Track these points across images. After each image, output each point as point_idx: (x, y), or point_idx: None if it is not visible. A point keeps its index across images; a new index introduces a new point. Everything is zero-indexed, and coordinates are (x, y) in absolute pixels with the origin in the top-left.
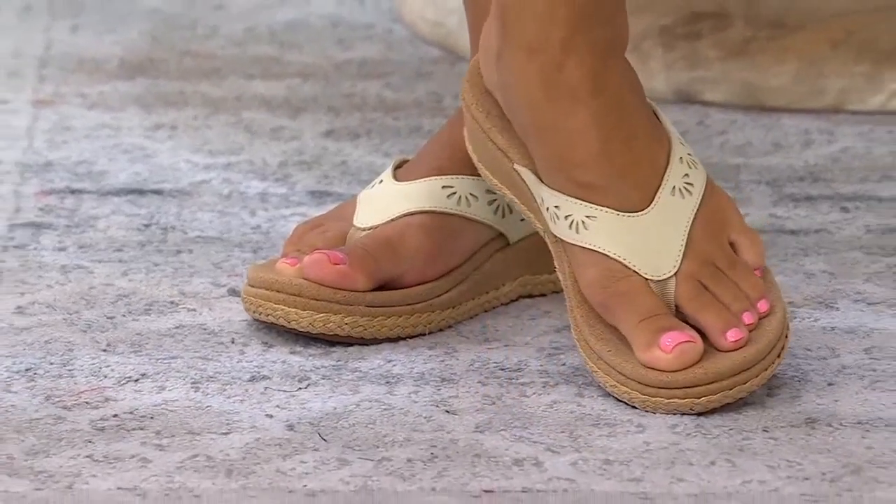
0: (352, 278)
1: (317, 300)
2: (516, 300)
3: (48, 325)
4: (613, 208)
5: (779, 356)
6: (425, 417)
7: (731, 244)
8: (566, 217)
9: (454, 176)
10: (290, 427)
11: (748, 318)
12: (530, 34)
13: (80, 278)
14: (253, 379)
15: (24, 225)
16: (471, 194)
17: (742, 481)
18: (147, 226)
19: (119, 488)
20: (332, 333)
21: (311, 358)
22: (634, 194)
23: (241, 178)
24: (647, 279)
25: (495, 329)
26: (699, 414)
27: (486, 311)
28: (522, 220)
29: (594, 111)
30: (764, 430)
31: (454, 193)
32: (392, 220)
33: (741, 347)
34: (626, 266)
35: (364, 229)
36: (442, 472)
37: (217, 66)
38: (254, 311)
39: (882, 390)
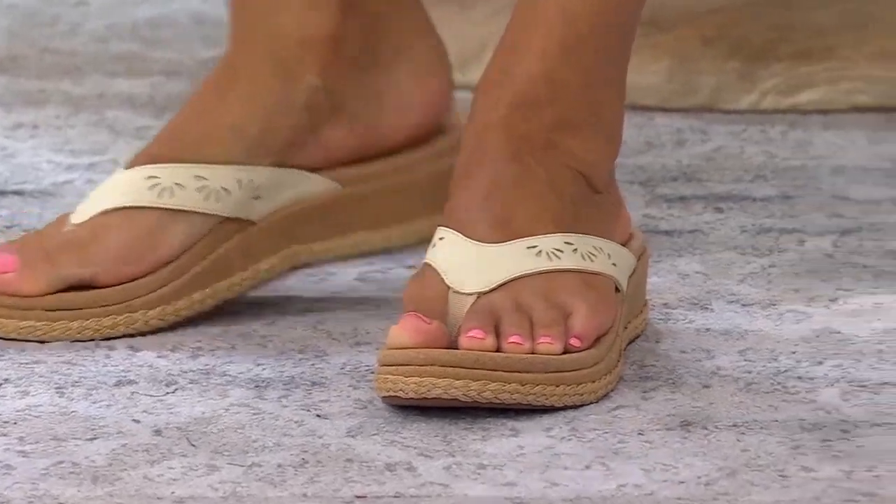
0: (16, 286)
1: None
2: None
3: None
4: (464, 234)
5: (536, 385)
6: (296, 422)
7: (570, 313)
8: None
9: (163, 165)
10: (158, 432)
11: (516, 338)
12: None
13: None
14: (119, 383)
15: None
16: (176, 184)
17: (617, 485)
18: (9, 227)
19: None
20: (10, 338)
21: (178, 362)
22: (491, 234)
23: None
24: (449, 288)
25: (366, 332)
26: (571, 415)
27: (244, 292)
28: (258, 197)
29: (498, 170)
30: (639, 433)
31: (157, 185)
32: (91, 217)
33: (474, 349)
34: (440, 275)
35: (73, 226)
36: (313, 478)
37: (78, 63)
38: None
39: (757, 392)
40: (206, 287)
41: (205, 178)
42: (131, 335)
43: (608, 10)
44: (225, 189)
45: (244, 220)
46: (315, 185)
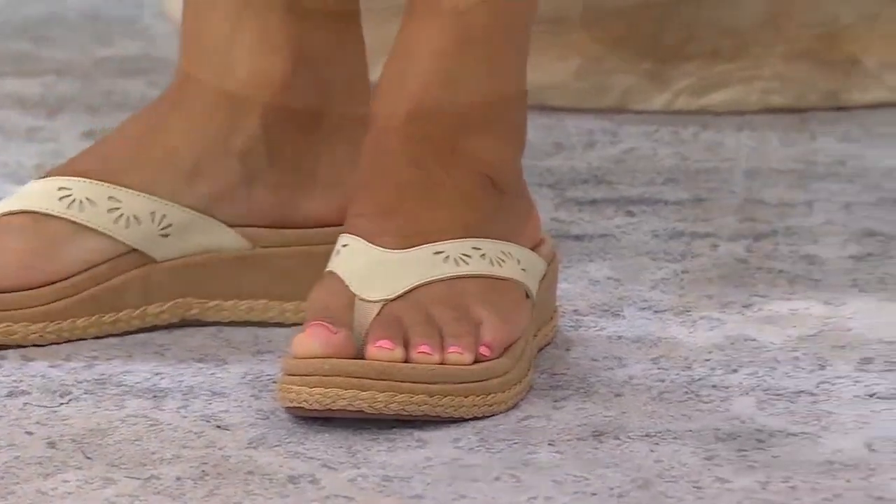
0: None
1: None
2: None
3: None
4: (368, 241)
5: (445, 396)
6: (195, 433)
7: (480, 320)
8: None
9: (78, 178)
10: (52, 444)
11: (424, 348)
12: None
13: None
14: (11, 394)
15: None
16: (87, 199)
17: (527, 497)
18: None
19: None
20: None
21: (72, 372)
22: (397, 240)
23: None
24: (354, 295)
25: (268, 340)
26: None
27: (128, 330)
28: (167, 235)
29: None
30: (549, 444)
31: (69, 196)
32: None
33: (381, 360)
34: (344, 283)
35: None
36: (213, 491)
37: None
38: None
39: (670, 402)
40: (92, 315)
41: (118, 201)
42: (8, 346)
43: (502, 6)
44: (136, 217)
45: (147, 256)
46: (227, 240)
